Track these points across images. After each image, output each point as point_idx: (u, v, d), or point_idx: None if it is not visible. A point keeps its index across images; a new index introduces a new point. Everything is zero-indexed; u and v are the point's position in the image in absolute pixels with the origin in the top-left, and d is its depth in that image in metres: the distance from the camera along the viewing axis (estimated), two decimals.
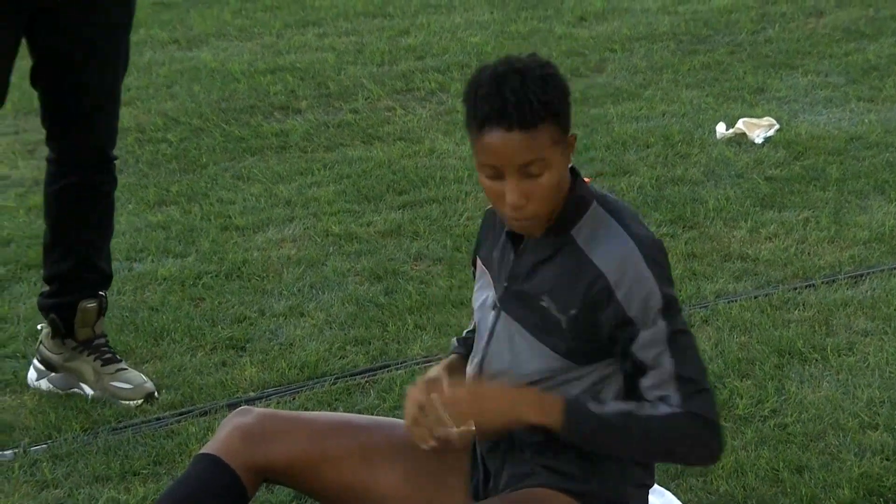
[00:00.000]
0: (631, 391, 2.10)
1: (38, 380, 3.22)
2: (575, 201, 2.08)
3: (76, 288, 3.17)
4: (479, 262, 2.23)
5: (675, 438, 2.03)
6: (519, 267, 2.12)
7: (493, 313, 2.15)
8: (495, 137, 1.99)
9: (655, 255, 2.05)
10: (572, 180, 2.10)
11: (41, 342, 3.23)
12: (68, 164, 3.11)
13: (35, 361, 3.24)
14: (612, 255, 2.04)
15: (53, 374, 3.21)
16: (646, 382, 2.04)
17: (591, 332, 2.06)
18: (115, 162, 3.19)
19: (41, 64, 3.02)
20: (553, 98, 2.00)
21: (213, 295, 3.69)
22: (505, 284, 2.13)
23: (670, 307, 2.04)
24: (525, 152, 2.00)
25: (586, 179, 2.14)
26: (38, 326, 3.29)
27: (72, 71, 3.02)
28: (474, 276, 2.27)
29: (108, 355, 3.19)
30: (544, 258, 2.09)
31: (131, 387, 3.13)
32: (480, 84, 2.01)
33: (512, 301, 2.12)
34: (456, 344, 2.30)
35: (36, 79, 3.04)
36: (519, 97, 1.98)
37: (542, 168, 2.01)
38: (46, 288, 3.23)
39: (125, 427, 3.03)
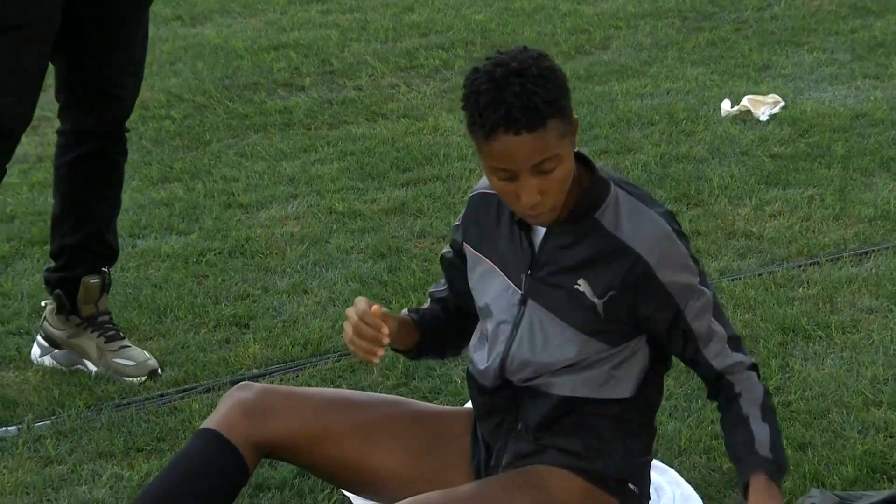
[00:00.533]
0: (661, 361, 2.15)
1: (41, 356, 3.22)
2: (596, 185, 2.09)
3: (84, 261, 3.17)
4: (468, 248, 2.20)
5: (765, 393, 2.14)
6: (543, 255, 2.11)
7: (517, 305, 2.13)
8: (505, 143, 1.98)
9: (679, 228, 2.10)
10: (588, 166, 2.10)
11: (45, 318, 3.24)
12: (83, 135, 3.10)
13: (39, 338, 3.24)
14: (647, 236, 2.06)
15: (57, 350, 3.21)
16: (710, 353, 2.10)
17: (628, 313, 2.08)
18: (127, 135, 3.19)
19: (66, 34, 2.99)
20: (555, 93, 2.00)
21: (216, 272, 3.69)
22: (528, 272, 2.12)
23: (702, 273, 2.11)
24: (537, 153, 1.99)
25: None
26: (42, 303, 3.29)
27: (98, 42, 3.00)
28: (453, 262, 2.25)
29: (112, 332, 3.19)
30: (570, 242, 2.09)
31: (134, 363, 3.13)
32: (480, 91, 1.99)
33: (539, 289, 2.11)
34: (406, 311, 2.28)
35: (57, 50, 3.01)
36: (523, 101, 1.96)
37: (554, 163, 2.01)
38: (52, 263, 3.23)
39: (129, 403, 3.04)
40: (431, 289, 2.35)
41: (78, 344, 3.18)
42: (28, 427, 2.95)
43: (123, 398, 3.06)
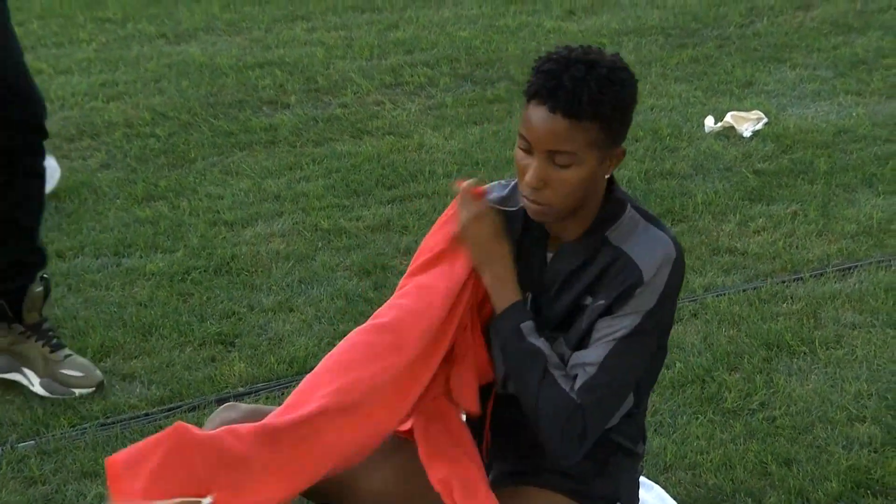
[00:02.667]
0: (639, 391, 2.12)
1: None
2: (612, 205, 2.08)
3: (19, 274, 3.16)
4: None
5: (551, 415, 2.02)
6: (552, 274, 2.11)
7: None
8: (537, 113, 1.99)
9: (682, 264, 2.07)
10: (609, 186, 2.09)
11: None
12: (9, 155, 3.06)
13: None
14: (654, 255, 2.04)
15: None
16: (575, 357, 2.05)
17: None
18: (44, 141, 3.10)
19: None
20: (607, 101, 1.97)
21: (201, 290, 3.69)
22: (535, 292, 2.12)
23: (654, 316, 2.04)
24: (557, 140, 1.99)
25: None
26: None
27: None
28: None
29: (55, 340, 3.19)
30: (580, 264, 2.08)
31: (82, 374, 3.12)
32: (549, 59, 2.00)
33: (545, 310, 2.10)
34: None
35: None
36: (574, 85, 1.96)
37: (569, 161, 2.00)
38: None
39: (114, 423, 3.03)
40: None
41: (20, 351, 3.18)
42: (12, 447, 2.94)
43: (108, 417, 3.05)
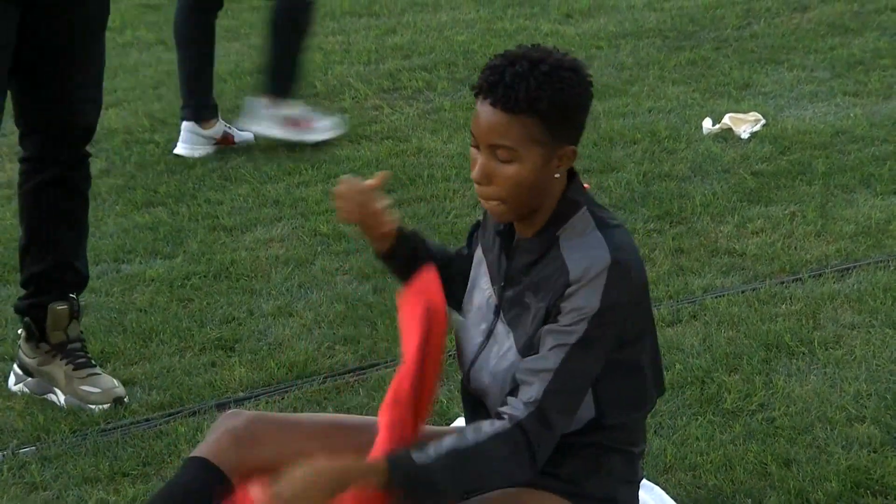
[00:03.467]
0: (615, 375, 2.09)
1: (16, 384, 3.21)
2: (566, 204, 2.09)
3: (52, 288, 3.15)
4: (478, 248, 2.23)
5: (507, 457, 1.99)
6: (511, 269, 2.13)
7: (492, 316, 2.14)
8: (480, 108, 2.03)
9: (624, 273, 2.03)
10: (568, 184, 2.10)
11: (19, 346, 3.22)
12: (45, 161, 3.09)
13: (14, 366, 3.23)
14: (584, 261, 2.03)
15: (29, 378, 3.19)
16: (529, 362, 2.03)
17: (545, 322, 2.06)
18: (90, 160, 3.17)
19: (23, 57, 3.00)
20: (545, 97, 1.99)
21: (201, 296, 3.69)
22: (502, 284, 2.14)
23: (601, 322, 2.01)
24: (496, 134, 2.01)
25: (585, 186, 2.14)
26: (19, 331, 3.26)
27: (53, 68, 3.01)
28: (469, 249, 2.26)
29: (82, 360, 3.16)
30: (533, 260, 2.09)
31: (99, 391, 3.09)
32: (498, 56, 2.03)
33: (508, 304, 2.12)
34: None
35: (13, 76, 3.01)
36: (513, 80, 1.99)
37: (509, 157, 2.02)
38: (23, 290, 3.21)
39: (114, 428, 3.03)
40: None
41: (47, 371, 3.16)
42: (13, 453, 2.94)
43: (109, 423, 3.06)
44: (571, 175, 2.12)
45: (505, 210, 2.07)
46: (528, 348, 2.07)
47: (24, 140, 3.12)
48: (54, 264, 3.15)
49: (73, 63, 3.04)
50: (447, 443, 1.99)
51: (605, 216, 2.10)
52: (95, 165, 4.75)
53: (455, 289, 2.24)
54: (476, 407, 2.17)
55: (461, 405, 2.26)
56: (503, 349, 2.10)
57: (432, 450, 1.98)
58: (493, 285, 2.16)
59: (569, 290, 2.02)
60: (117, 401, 3.09)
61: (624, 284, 2.03)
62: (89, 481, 2.83)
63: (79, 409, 3.10)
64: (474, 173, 2.04)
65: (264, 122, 4.81)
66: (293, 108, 4.80)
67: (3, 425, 3.07)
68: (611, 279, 2.01)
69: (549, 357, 2.02)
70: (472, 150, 2.06)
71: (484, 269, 2.19)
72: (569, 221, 2.08)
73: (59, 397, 3.14)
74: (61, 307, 3.15)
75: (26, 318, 3.18)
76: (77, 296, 3.19)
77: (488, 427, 2.01)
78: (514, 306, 2.11)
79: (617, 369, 2.08)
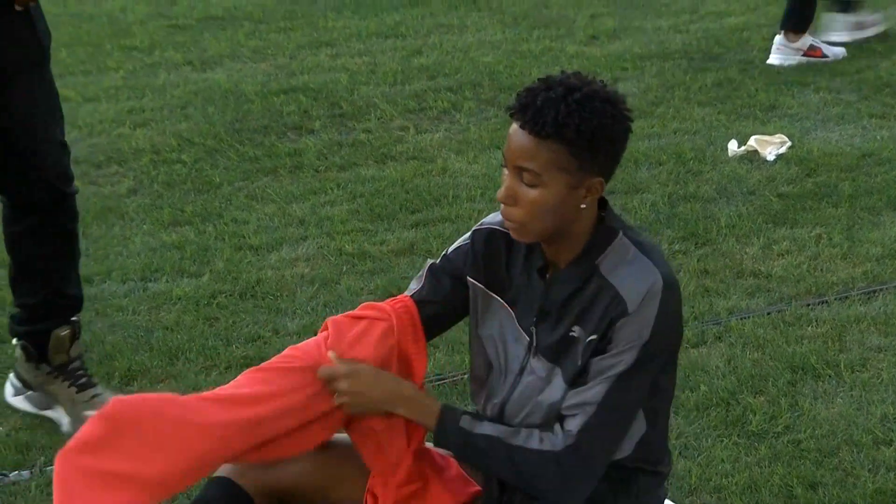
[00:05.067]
0: (657, 420, 2.12)
1: (14, 396, 3.20)
2: (603, 232, 2.09)
3: (49, 316, 3.13)
4: (473, 282, 2.20)
5: (539, 475, 2.04)
6: (548, 304, 2.11)
7: (522, 350, 2.14)
8: (511, 130, 2.04)
9: (673, 296, 2.05)
10: (601, 211, 2.10)
11: (17, 361, 3.21)
12: (23, 208, 3.03)
13: (12, 377, 3.22)
14: (638, 286, 2.03)
15: (31, 392, 3.18)
16: (573, 396, 2.05)
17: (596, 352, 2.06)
18: (75, 195, 3.08)
19: None
20: (572, 125, 1.98)
21: (227, 314, 3.71)
22: (534, 319, 2.13)
23: (650, 349, 2.02)
24: (522, 157, 2.02)
25: None
26: (14, 341, 3.24)
27: None
28: (441, 279, 2.22)
29: (84, 379, 3.15)
30: (573, 290, 2.08)
31: None
32: (539, 80, 2.04)
33: (545, 340, 2.11)
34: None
35: None
36: (543, 105, 1.99)
37: (534, 181, 2.02)
38: (17, 312, 3.17)
39: None
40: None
41: (50, 391, 3.15)
42: (41, 471, 2.96)
43: None
44: (602, 202, 2.11)
45: (525, 233, 2.07)
46: (578, 378, 2.07)
47: None
48: (46, 296, 3.11)
49: (12, 110, 2.91)
50: (497, 429, 2.07)
51: (642, 239, 2.10)
52: (123, 185, 4.80)
53: (434, 324, 2.24)
54: None
55: None
56: (551, 386, 2.09)
57: (482, 426, 2.08)
58: (520, 322, 2.14)
59: (622, 319, 2.02)
60: None
61: (674, 306, 2.05)
62: None
63: None
64: (499, 193, 2.05)
65: (840, 30, 5.82)
66: (860, 15, 5.88)
67: (31, 443, 3.09)
68: (664, 302, 2.03)
69: (593, 389, 2.04)
70: (503, 170, 2.07)
71: (498, 306, 2.17)
72: (608, 249, 2.08)
73: (63, 421, 3.12)
74: (64, 332, 3.13)
75: (22, 341, 3.15)
76: (77, 317, 3.16)
77: (536, 440, 2.05)
78: (555, 341, 2.10)
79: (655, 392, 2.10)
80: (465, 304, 2.22)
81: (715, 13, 6.64)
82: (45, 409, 3.17)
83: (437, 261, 2.24)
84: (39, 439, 3.11)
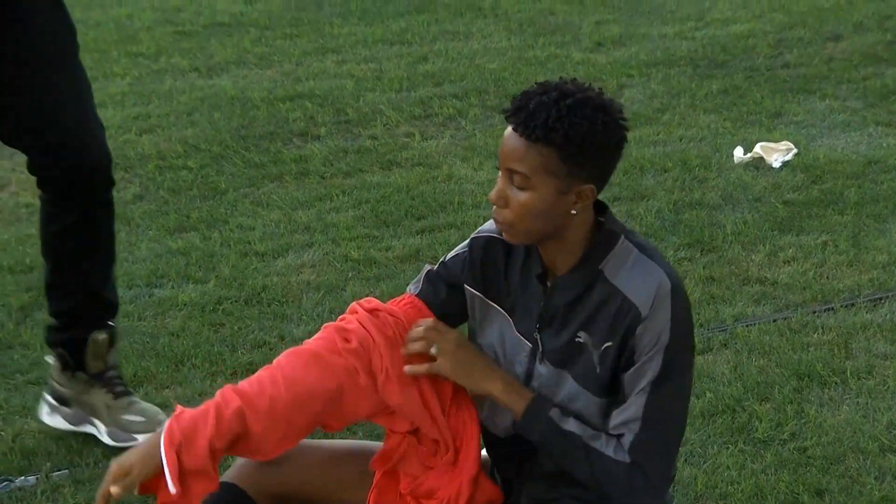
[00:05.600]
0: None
1: (50, 414, 3.16)
2: (604, 236, 2.09)
3: (84, 322, 3.10)
4: (471, 290, 2.20)
5: (610, 483, 2.05)
6: (550, 309, 2.11)
7: (527, 358, 2.14)
8: (506, 131, 2.06)
9: (681, 294, 2.06)
10: (600, 215, 2.10)
11: (51, 376, 3.17)
12: (62, 205, 3.00)
13: (46, 395, 3.17)
14: (646, 289, 2.04)
15: (67, 409, 3.14)
16: (616, 417, 2.06)
17: (620, 362, 2.07)
18: (112, 190, 3.04)
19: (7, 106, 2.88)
20: (561, 129, 1.98)
21: (232, 320, 3.71)
22: (537, 326, 2.13)
23: (675, 350, 2.03)
24: (513, 159, 2.03)
25: None
26: (46, 358, 3.23)
27: (29, 106, 2.88)
28: (438, 285, 2.22)
29: (120, 388, 3.12)
30: (575, 297, 2.09)
31: (144, 419, 3.04)
32: (536, 84, 2.06)
33: (550, 344, 2.11)
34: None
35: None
36: (535, 108, 2.00)
37: (524, 184, 2.03)
38: (53, 321, 3.15)
39: None
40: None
41: (87, 401, 3.10)
42: (46, 476, 2.96)
43: None
44: (602, 207, 2.12)
45: (515, 234, 2.08)
46: (603, 389, 2.08)
47: (39, 185, 3.02)
48: (82, 299, 3.08)
49: (48, 104, 2.88)
50: (581, 428, 2.07)
51: (643, 242, 2.10)
52: (129, 191, 4.81)
53: None
54: (500, 447, 2.17)
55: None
56: (562, 388, 2.10)
57: (568, 422, 2.07)
58: (520, 329, 2.14)
59: (640, 326, 2.03)
60: None
61: (685, 303, 2.06)
62: None
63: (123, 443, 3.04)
64: (491, 194, 2.07)
65: None
66: None
67: (36, 448, 3.10)
68: (675, 302, 2.04)
69: (632, 406, 2.05)
70: (499, 175, 2.08)
71: (496, 313, 2.17)
72: (610, 253, 2.08)
73: (101, 430, 3.08)
74: (102, 336, 3.09)
75: (59, 349, 3.12)
76: (114, 322, 3.14)
77: (612, 449, 2.06)
78: (560, 346, 2.10)
79: None
80: (460, 312, 2.22)
81: (720, 20, 6.64)
82: (81, 424, 3.12)
83: (435, 267, 2.24)
84: (45, 445, 3.11)
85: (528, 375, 2.13)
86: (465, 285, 2.20)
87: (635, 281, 2.04)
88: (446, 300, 2.20)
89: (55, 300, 3.13)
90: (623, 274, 2.06)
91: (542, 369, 2.12)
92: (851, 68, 5.74)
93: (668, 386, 2.04)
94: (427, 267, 2.26)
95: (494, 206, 2.06)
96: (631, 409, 2.04)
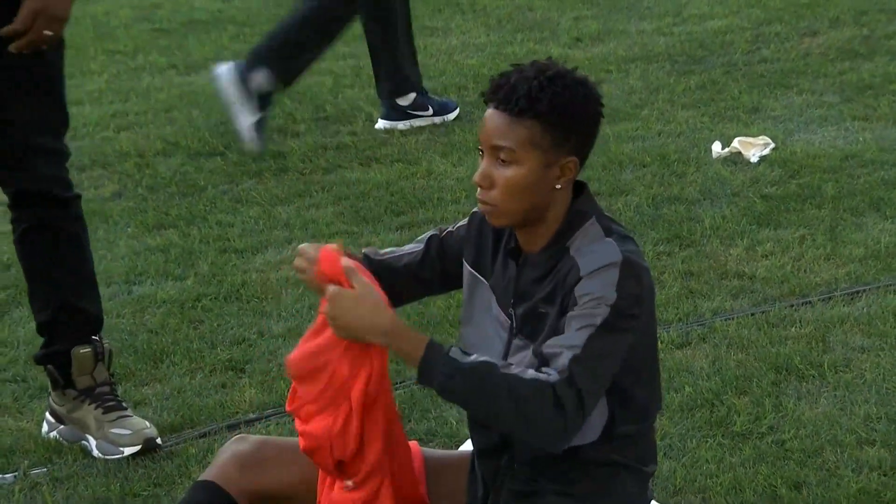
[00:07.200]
0: (629, 410, 2.11)
1: (49, 432, 3.13)
2: (574, 215, 2.10)
3: (64, 335, 3.06)
4: (466, 265, 2.23)
5: (538, 408, 1.98)
6: (521, 286, 2.14)
7: (506, 334, 2.15)
8: (487, 114, 2.08)
9: (636, 271, 2.05)
10: (576, 196, 2.12)
11: (48, 394, 3.15)
12: (21, 210, 3.00)
13: (47, 414, 3.15)
14: (596, 257, 2.05)
15: (62, 426, 3.11)
16: (553, 341, 2.02)
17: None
18: (77, 199, 3.05)
19: None
20: (544, 99, 2.02)
21: (212, 317, 3.71)
22: (511, 301, 2.14)
23: (620, 311, 2.02)
24: (497, 135, 2.05)
25: None
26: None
27: None
28: (432, 254, 2.25)
29: (112, 403, 3.07)
30: (542, 274, 2.10)
31: (130, 432, 3.00)
32: (510, 66, 2.08)
33: (521, 322, 2.13)
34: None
35: None
36: (518, 85, 2.03)
37: (509, 158, 2.05)
38: (40, 338, 3.13)
39: None
40: (369, 251, 2.32)
41: (78, 418, 3.07)
42: (24, 474, 2.95)
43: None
44: (580, 188, 2.13)
45: (500, 215, 2.09)
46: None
47: (2, 188, 3.03)
48: (59, 309, 3.05)
49: (11, 106, 2.88)
50: (488, 359, 2.01)
51: (615, 227, 2.12)
52: (107, 188, 4.79)
53: (405, 292, 2.27)
54: (486, 429, 2.18)
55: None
56: (524, 360, 2.10)
57: (473, 357, 2.00)
58: (500, 305, 2.16)
59: (581, 282, 2.03)
60: (148, 443, 2.99)
61: (636, 281, 2.05)
62: (100, 502, 2.84)
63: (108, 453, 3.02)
64: (475, 176, 2.08)
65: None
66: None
67: (14, 446, 3.09)
68: (623, 274, 2.03)
69: (575, 336, 2.02)
70: (480, 161, 2.09)
71: (484, 288, 2.19)
72: (577, 231, 2.10)
73: (91, 444, 3.05)
74: (84, 350, 3.05)
75: (48, 367, 3.09)
76: (99, 337, 3.10)
77: (530, 373, 2.00)
78: (529, 320, 2.12)
79: (629, 374, 2.10)
80: (447, 282, 2.25)
81: (698, 16, 6.66)
82: (77, 441, 3.09)
83: (439, 233, 2.27)
84: (23, 443, 3.10)
85: (506, 351, 2.14)
86: (463, 259, 2.23)
87: (591, 255, 2.06)
88: (438, 268, 2.24)
89: (35, 313, 3.11)
90: (584, 249, 2.07)
91: (518, 343, 2.14)
92: (828, 63, 5.76)
93: (609, 337, 2.01)
94: (432, 232, 2.29)
95: (479, 189, 2.07)
96: (573, 337, 2.01)
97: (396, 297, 2.21)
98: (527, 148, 2.04)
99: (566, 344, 2.02)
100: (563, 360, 2.01)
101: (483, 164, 2.07)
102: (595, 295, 2.02)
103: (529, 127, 2.03)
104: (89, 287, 3.12)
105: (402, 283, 2.27)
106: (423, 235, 2.32)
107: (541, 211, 2.09)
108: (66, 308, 3.06)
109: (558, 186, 2.08)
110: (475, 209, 2.22)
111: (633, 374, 2.11)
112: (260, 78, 4.83)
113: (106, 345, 3.11)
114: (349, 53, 6.40)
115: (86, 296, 3.10)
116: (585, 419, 2.03)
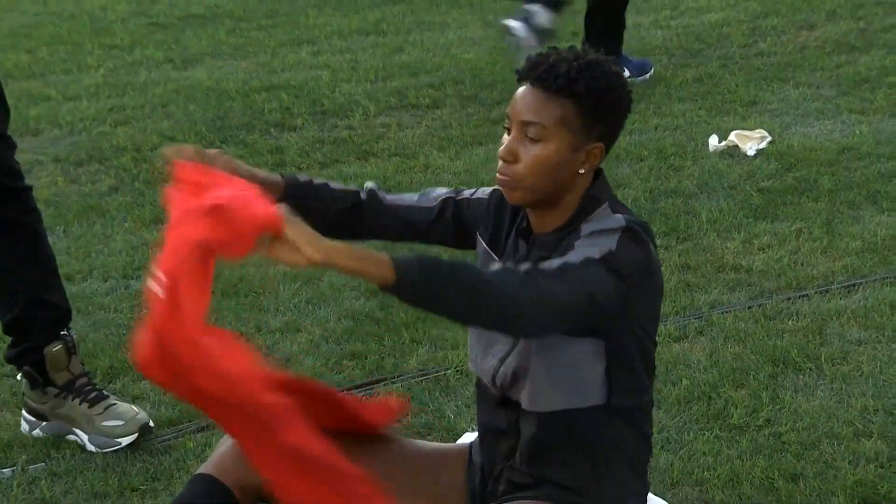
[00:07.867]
0: (622, 360, 2.09)
1: (31, 431, 3.11)
2: (588, 201, 2.11)
3: (33, 330, 3.04)
4: (481, 241, 2.24)
5: (524, 293, 1.92)
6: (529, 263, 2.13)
7: None
8: (520, 90, 2.08)
9: (638, 239, 2.04)
10: (593, 181, 2.12)
11: (24, 394, 3.13)
12: None
13: (24, 412, 3.13)
14: (600, 224, 2.05)
15: (45, 423, 3.10)
16: (551, 261, 1.99)
17: None
18: (29, 190, 3.00)
19: None
20: (583, 80, 2.04)
21: (209, 312, 3.70)
22: None
23: (617, 261, 1.99)
24: (530, 111, 2.05)
25: None
26: (18, 377, 3.17)
27: None
28: (446, 216, 2.25)
29: (94, 393, 3.07)
30: (551, 253, 2.10)
31: (123, 422, 3.00)
32: (545, 51, 2.09)
33: None
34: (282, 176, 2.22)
35: None
36: (554, 64, 2.05)
37: (539, 135, 2.05)
38: (9, 338, 3.10)
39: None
40: (374, 185, 2.30)
41: (64, 414, 3.06)
42: (23, 469, 2.96)
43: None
44: (596, 174, 2.14)
45: (520, 190, 2.08)
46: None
47: None
48: (25, 304, 3.02)
49: None
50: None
51: (628, 214, 2.11)
52: (104, 183, 4.79)
53: (396, 237, 2.26)
54: (501, 405, 2.17)
55: (469, 419, 2.27)
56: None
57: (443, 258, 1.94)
58: None
59: (580, 239, 2.02)
60: (143, 428, 3.00)
61: (639, 247, 2.03)
62: (98, 496, 2.84)
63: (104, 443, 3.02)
64: (501, 150, 2.07)
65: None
66: None
67: (12, 441, 3.09)
68: (624, 237, 2.02)
69: (572, 256, 2.00)
70: (505, 137, 2.09)
71: (496, 264, 2.18)
72: (591, 216, 2.09)
73: (83, 438, 3.04)
74: (57, 348, 3.04)
75: (25, 367, 3.07)
76: (68, 329, 3.07)
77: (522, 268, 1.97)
78: None
79: (629, 345, 2.08)
80: (459, 244, 2.26)
81: (694, 9, 6.67)
82: (65, 434, 3.08)
83: (455, 196, 2.27)
84: (21, 438, 3.10)
85: None
86: (478, 233, 2.24)
87: (594, 223, 2.06)
88: (443, 230, 2.25)
89: (3, 313, 3.07)
90: (591, 225, 2.06)
91: None
92: (825, 56, 5.77)
93: (602, 272, 1.97)
94: (449, 194, 2.28)
95: (502, 163, 2.08)
96: (570, 258, 1.99)
97: (383, 237, 2.26)
98: (558, 126, 2.05)
99: (560, 260, 2.00)
100: (555, 262, 1.99)
101: (509, 140, 2.08)
102: (594, 242, 2.01)
103: (563, 106, 2.04)
104: (54, 279, 3.08)
105: (398, 230, 2.28)
106: (433, 191, 2.29)
107: (560, 193, 2.09)
108: (33, 304, 3.03)
109: (581, 171, 2.08)
110: (495, 186, 2.21)
111: (633, 350, 2.09)
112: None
113: (73, 335, 3.09)
114: (346, 48, 6.40)
115: (52, 288, 3.07)
116: (562, 317, 1.97)
